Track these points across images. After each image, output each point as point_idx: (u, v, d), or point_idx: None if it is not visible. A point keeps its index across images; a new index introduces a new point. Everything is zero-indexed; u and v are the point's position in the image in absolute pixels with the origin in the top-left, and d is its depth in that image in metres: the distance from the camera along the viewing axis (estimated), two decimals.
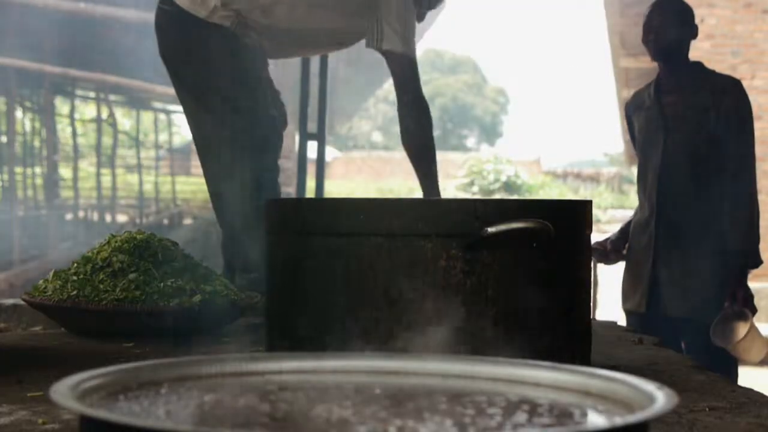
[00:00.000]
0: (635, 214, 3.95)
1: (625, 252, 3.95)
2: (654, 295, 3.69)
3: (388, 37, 2.98)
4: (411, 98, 3.08)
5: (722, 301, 3.62)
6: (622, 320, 3.77)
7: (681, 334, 3.67)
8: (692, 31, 3.76)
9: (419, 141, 3.15)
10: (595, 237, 4.20)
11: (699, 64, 3.81)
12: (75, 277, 2.74)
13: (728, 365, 3.55)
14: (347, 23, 3.11)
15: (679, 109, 3.69)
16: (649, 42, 3.75)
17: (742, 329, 3.47)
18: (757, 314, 3.47)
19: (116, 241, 2.85)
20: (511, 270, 1.82)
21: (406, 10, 3.01)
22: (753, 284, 3.97)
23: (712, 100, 3.63)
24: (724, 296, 3.62)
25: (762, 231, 11.05)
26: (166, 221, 17.83)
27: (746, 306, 3.53)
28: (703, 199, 3.61)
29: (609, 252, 3.95)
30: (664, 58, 3.75)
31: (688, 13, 3.79)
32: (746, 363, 3.57)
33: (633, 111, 3.91)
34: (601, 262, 4.00)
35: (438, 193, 3.15)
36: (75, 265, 2.81)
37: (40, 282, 2.83)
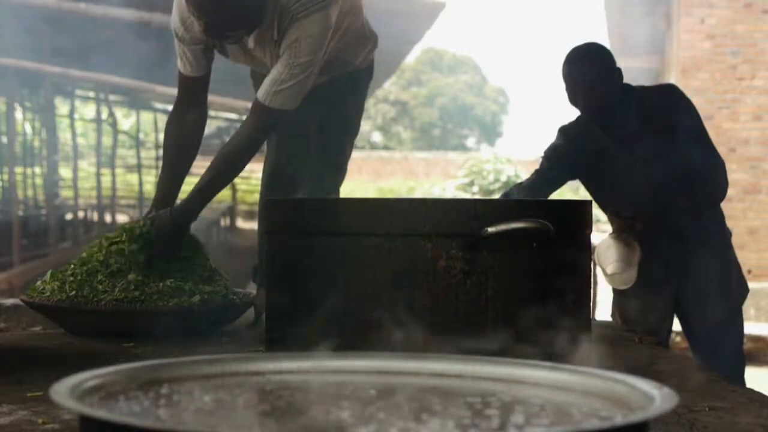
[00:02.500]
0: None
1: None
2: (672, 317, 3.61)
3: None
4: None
5: (732, 298, 3.58)
6: None
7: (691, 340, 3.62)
8: (618, 76, 3.49)
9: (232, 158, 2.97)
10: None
11: (629, 88, 3.55)
12: (73, 278, 2.74)
13: (737, 367, 3.52)
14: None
15: (640, 146, 3.49)
16: (578, 104, 3.49)
17: (623, 256, 3.37)
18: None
19: (108, 239, 2.85)
20: (511, 270, 1.82)
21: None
22: (753, 284, 3.95)
23: (664, 122, 3.46)
24: (733, 290, 3.58)
25: (763, 231, 10.90)
26: None
27: (636, 238, 3.42)
28: (694, 213, 3.52)
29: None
30: (594, 119, 3.51)
31: (607, 58, 3.50)
32: (613, 285, 3.48)
33: (578, 147, 3.60)
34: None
35: (196, 200, 2.92)
36: (72, 266, 2.81)
37: (38, 283, 2.83)
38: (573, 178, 3.76)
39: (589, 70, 3.43)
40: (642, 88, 3.67)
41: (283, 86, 2.82)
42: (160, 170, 3.14)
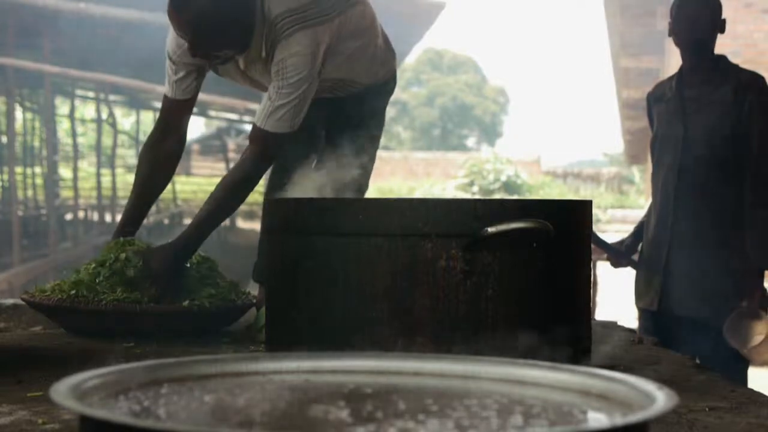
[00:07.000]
0: (649, 210, 3.84)
1: (639, 251, 3.86)
2: (666, 293, 3.61)
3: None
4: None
5: (733, 303, 3.54)
6: (622, 320, 3.75)
7: (693, 335, 3.59)
8: (721, 25, 3.63)
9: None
10: (607, 237, 4.14)
11: (722, 58, 3.66)
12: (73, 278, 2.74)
13: (741, 370, 3.49)
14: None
15: (700, 103, 3.57)
16: (679, 33, 3.62)
17: (759, 329, 3.38)
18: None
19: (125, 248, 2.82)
20: (511, 270, 1.82)
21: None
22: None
23: (734, 96, 3.51)
24: (735, 298, 3.55)
25: None
26: (166, 221, 17.84)
27: (762, 306, 3.44)
28: (721, 196, 3.50)
29: (622, 256, 3.86)
30: (691, 50, 3.63)
31: (717, 6, 3.66)
32: (761, 363, 3.47)
33: (654, 102, 3.80)
34: (612, 264, 3.93)
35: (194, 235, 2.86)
36: (92, 266, 2.80)
37: (47, 285, 2.84)
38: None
39: (694, 3, 3.60)
40: (738, 66, 3.72)
41: (277, 109, 2.73)
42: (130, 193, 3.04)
